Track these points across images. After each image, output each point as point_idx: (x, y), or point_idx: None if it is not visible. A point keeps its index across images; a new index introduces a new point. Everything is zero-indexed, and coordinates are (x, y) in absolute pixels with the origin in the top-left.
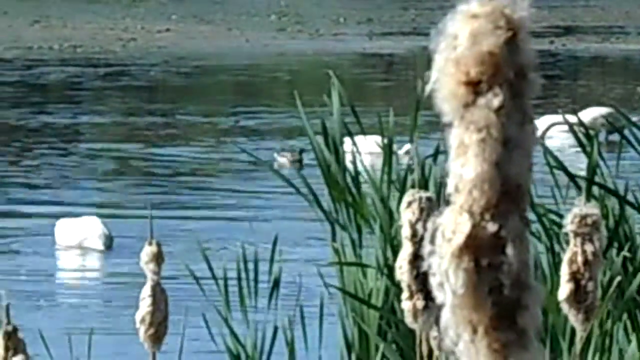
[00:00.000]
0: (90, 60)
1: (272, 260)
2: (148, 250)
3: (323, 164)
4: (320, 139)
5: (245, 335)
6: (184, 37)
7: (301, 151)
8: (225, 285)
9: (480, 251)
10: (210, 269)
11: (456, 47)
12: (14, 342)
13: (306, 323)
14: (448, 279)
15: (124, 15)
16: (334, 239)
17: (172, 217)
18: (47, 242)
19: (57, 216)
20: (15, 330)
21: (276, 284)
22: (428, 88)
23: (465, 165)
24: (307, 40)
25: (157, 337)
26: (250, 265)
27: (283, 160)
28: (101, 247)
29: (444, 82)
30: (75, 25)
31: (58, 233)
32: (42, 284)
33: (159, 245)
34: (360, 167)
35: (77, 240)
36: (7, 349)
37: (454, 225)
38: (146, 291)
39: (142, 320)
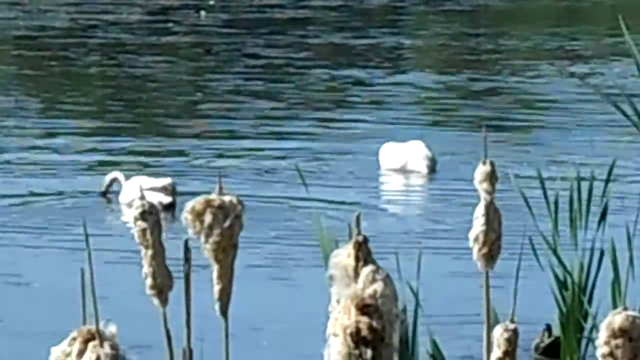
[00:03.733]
0: None
1: (607, 182)
2: (482, 170)
3: None
4: None
5: (571, 260)
6: None
7: None
8: (556, 211)
9: None
10: (544, 190)
11: None
12: (365, 252)
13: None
14: None
15: None
16: None
17: (501, 140)
18: (371, 165)
19: (382, 139)
20: (365, 240)
21: (605, 208)
22: None
23: None
24: None
25: (491, 255)
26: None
27: None
28: (425, 169)
29: None
30: None
31: (382, 156)
32: (367, 205)
33: (492, 164)
34: None
35: (401, 163)
36: (357, 258)
37: None
38: (480, 210)
39: (476, 239)
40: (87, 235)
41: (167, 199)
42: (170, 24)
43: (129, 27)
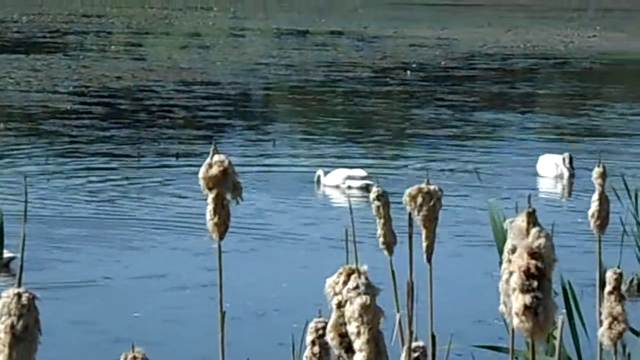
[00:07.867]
0: (543, 55)
1: None
2: (596, 171)
3: None
4: None
5: None
6: (604, 41)
7: None
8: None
9: None
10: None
11: None
12: (533, 218)
13: None
14: None
15: (566, 27)
16: None
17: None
18: (530, 167)
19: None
20: (534, 210)
21: None
22: None
23: None
24: None
25: (602, 225)
26: None
27: None
28: (567, 173)
29: None
30: (534, 32)
31: (539, 165)
32: (526, 191)
33: (604, 167)
34: None
35: (555, 172)
36: (528, 222)
37: None
38: (595, 196)
39: (592, 215)
40: (351, 208)
41: (364, 182)
42: (387, 79)
43: (361, 81)
